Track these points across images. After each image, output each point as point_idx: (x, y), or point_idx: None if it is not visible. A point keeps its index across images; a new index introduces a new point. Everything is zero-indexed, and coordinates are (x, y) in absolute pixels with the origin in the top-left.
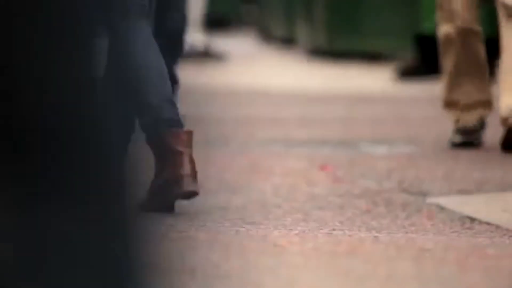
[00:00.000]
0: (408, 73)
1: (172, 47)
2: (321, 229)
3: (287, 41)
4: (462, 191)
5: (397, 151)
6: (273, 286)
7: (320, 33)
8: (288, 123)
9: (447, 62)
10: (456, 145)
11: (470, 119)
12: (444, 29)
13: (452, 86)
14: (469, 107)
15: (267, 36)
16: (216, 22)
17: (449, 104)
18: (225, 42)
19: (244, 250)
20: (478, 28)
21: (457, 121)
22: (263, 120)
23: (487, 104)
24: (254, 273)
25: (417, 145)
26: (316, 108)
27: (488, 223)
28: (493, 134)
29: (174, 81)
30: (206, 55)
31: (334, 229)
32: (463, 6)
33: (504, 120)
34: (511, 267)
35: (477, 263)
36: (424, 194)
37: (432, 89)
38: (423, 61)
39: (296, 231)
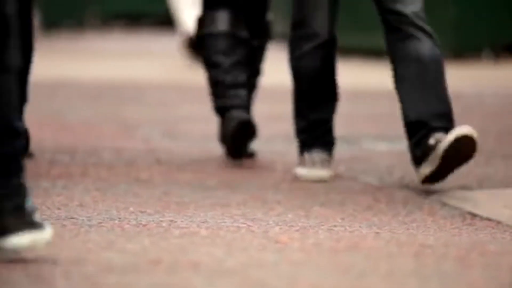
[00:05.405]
0: None
1: None
2: (322, 225)
3: (287, 37)
4: (463, 187)
5: (399, 147)
6: (275, 282)
7: None
8: (289, 119)
9: None
10: None
11: None
12: None
13: None
14: None
15: None
16: None
17: None
18: None
19: (245, 246)
20: None
21: None
22: (264, 117)
23: None
24: (255, 269)
25: None
26: None
27: (489, 219)
28: (493, 131)
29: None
30: None
31: (335, 225)
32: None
33: None
34: None
35: (478, 259)
36: (425, 190)
37: None
38: None
39: (297, 227)
